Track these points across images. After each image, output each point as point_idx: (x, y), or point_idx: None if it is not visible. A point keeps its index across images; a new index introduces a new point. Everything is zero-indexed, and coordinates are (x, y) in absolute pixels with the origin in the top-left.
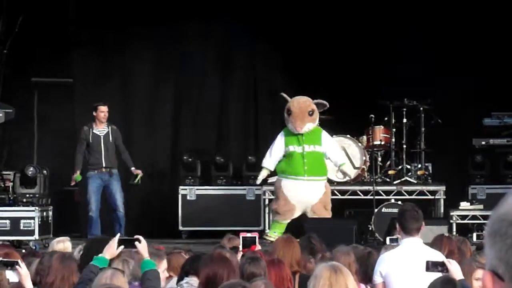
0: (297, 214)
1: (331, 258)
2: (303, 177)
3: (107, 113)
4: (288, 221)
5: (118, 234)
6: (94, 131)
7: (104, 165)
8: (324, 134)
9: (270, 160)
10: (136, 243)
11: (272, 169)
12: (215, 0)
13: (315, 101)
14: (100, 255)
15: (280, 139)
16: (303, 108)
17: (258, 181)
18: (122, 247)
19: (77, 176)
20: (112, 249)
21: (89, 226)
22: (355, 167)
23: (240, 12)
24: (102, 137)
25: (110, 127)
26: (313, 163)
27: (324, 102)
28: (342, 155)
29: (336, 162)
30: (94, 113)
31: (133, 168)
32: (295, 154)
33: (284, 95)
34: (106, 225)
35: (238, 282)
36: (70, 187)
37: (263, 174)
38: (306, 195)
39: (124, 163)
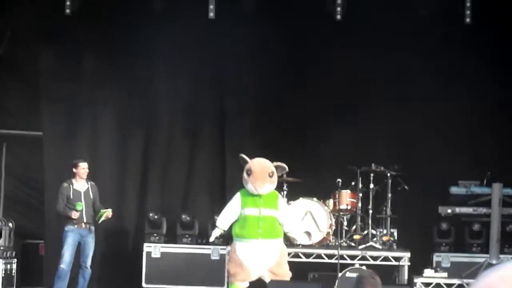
0: (254, 277)
1: None
2: (257, 240)
3: (87, 170)
4: (246, 285)
5: None
6: (74, 187)
7: (84, 221)
8: (281, 199)
9: (224, 220)
10: None
11: (226, 229)
12: (183, 61)
13: (275, 163)
14: None
15: (236, 200)
16: (264, 169)
17: (211, 239)
18: None
19: (77, 205)
20: None
21: (57, 277)
22: (320, 231)
23: (207, 73)
24: (82, 193)
25: (89, 183)
26: (269, 226)
27: (284, 165)
28: (293, 224)
29: (283, 228)
30: (74, 170)
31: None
32: (250, 217)
33: (244, 156)
34: (70, 277)
35: None
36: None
37: (215, 233)
38: (261, 258)
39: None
